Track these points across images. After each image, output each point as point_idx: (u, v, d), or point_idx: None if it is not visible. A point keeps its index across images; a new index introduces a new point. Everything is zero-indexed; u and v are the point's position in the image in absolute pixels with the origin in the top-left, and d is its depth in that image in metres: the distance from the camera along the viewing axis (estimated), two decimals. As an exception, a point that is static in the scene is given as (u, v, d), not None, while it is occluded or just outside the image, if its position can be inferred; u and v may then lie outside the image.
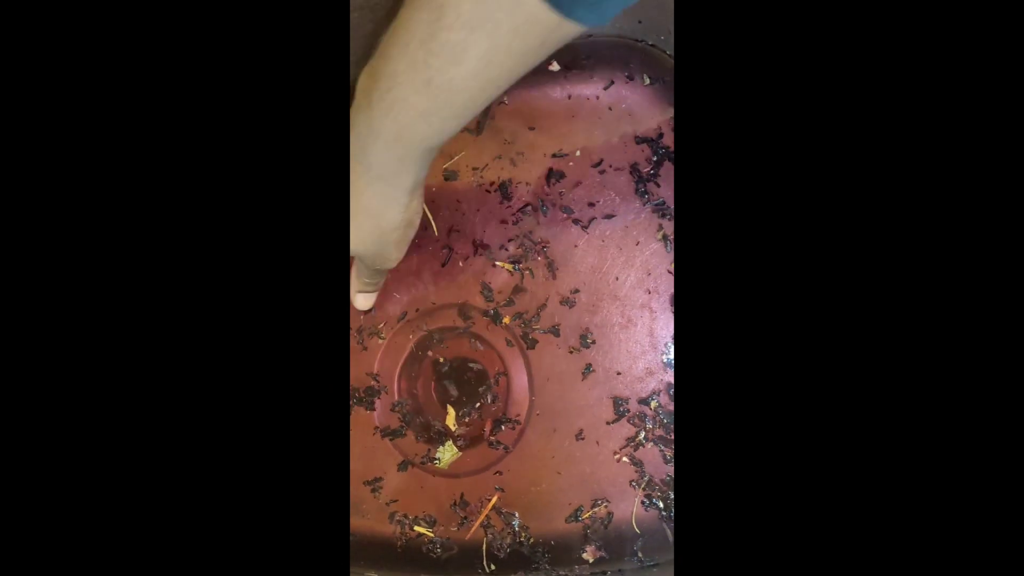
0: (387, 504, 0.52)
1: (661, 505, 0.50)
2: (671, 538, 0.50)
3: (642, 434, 0.50)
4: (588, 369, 0.51)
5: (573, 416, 0.51)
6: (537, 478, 0.51)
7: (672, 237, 0.50)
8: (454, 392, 0.53)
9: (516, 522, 0.51)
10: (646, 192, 0.50)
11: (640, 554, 0.50)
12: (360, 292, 0.50)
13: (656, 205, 0.50)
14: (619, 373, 0.51)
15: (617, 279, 0.51)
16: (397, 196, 0.39)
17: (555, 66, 0.52)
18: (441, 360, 0.54)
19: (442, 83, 0.33)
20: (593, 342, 0.51)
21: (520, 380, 0.52)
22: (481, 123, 0.53)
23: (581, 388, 0.51)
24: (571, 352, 0.51)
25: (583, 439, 0.51)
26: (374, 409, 0.53)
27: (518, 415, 0.52)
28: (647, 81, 0.50)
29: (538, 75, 0.52)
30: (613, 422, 0.50)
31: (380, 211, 0.39)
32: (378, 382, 0.53)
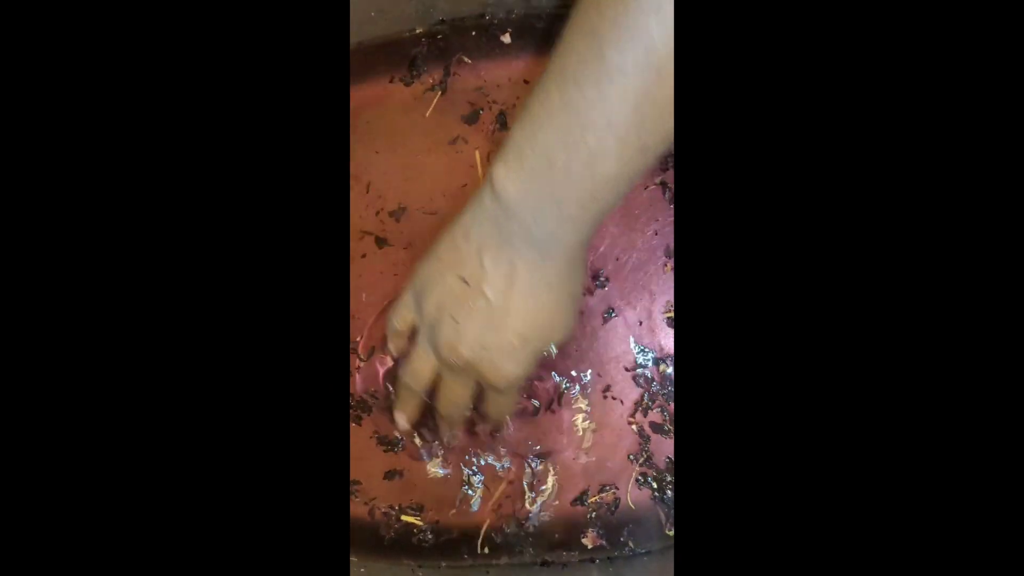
0: (365, 503, 0.47)
1: (655, 485, 0.46)
2: (664, 522, 0.46)
3: (647, 396, 0.46)
4: (610, 313, 0.47)
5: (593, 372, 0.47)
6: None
7: (671, 185, 0.47)
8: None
9: (540, 500, 0.46)
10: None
11: (631, 543, 0.45)
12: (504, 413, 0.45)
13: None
14: (640, 323, 0.47)
15: (618, 259, 0.47)
16: (582, 260, 0.36)
17: (506, 38, 0.50)
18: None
19: (655, 140, 0.30)
20: (607, 279, 0.47)
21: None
22: (444, 82, 0.49)
23: (600, 338, 0.47)
24: (585, 295, 0.47)
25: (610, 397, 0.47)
26: (360, 425, 0.49)
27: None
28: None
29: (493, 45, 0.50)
30: (631, 370, 0.46)
31: (573, 283, 0.37)
32: (376, 399, 0.49)
